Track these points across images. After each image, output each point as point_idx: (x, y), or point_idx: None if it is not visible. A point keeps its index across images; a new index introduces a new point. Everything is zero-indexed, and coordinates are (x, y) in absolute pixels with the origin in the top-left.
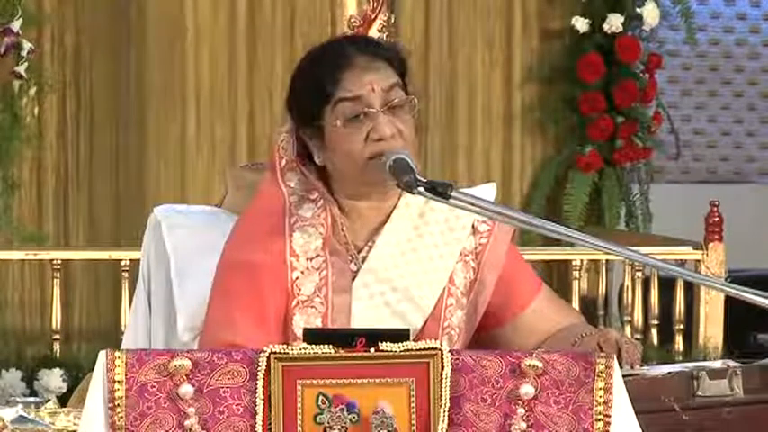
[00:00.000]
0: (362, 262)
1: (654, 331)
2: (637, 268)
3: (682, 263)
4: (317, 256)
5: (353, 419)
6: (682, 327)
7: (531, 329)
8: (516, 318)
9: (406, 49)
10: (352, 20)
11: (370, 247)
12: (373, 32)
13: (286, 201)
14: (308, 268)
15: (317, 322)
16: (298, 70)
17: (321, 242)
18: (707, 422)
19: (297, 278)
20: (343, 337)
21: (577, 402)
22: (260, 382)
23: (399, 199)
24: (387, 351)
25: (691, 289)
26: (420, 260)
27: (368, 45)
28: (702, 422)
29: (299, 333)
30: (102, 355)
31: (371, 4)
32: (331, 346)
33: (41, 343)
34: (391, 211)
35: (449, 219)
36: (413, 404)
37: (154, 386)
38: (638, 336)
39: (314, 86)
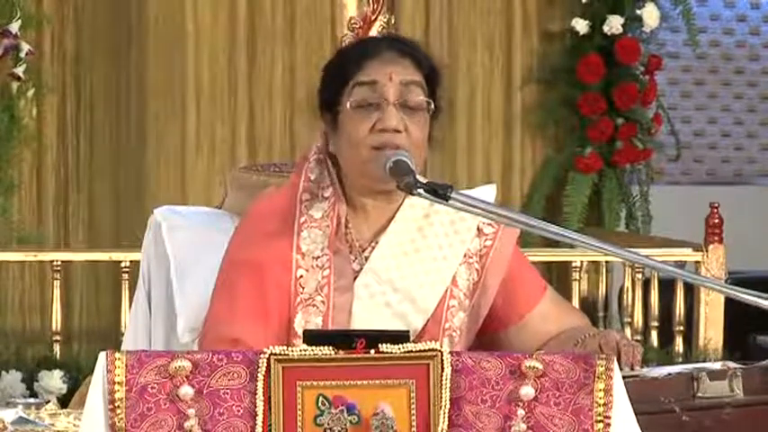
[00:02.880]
0: (365, 262)
1: (654, 333)
2: (637, 270)
3: (682, 264)
4: (322, 255)
5: (353, 421)
6: (682, 328)
7: (536, 332)
8: (521, 321)
9: (441, 62)
10: (352, 21)
11: (374, 248)
12: (373, 33)
13: (299, 199)
14: (312, 267)
15: (317, 321)
16: (331, 57)
17: (327, 242)
18: (707, 423)
19: (301, 276)
20: (344, 339)
21: (577, 404)
22: (260, 384)
23: (404, 200)
24: (387, 352)
25: (691, 290)
26: (422, 261)
27: (400, 42)
28: (702, 423)
29: (300, 332)
30: (102, 356)
31: (371, 5)
32: (331, 348)
33: (41, 344)
34: (396, 212)
35: (454, 221)
36: (413, 406)
37: (154, 387)
38: (638, 337)
39: (338, 70)
